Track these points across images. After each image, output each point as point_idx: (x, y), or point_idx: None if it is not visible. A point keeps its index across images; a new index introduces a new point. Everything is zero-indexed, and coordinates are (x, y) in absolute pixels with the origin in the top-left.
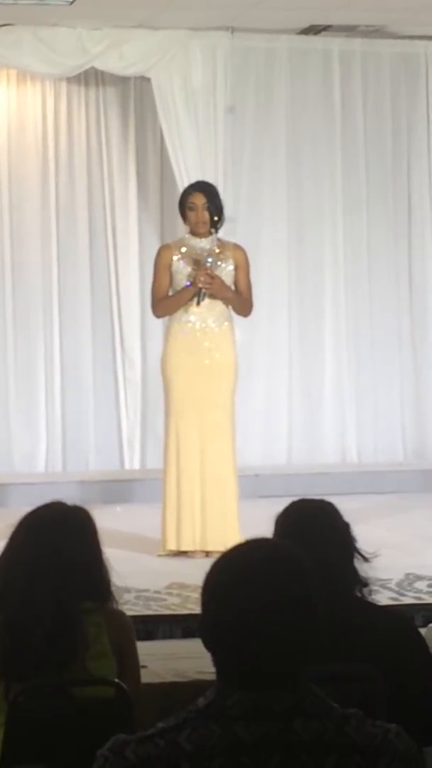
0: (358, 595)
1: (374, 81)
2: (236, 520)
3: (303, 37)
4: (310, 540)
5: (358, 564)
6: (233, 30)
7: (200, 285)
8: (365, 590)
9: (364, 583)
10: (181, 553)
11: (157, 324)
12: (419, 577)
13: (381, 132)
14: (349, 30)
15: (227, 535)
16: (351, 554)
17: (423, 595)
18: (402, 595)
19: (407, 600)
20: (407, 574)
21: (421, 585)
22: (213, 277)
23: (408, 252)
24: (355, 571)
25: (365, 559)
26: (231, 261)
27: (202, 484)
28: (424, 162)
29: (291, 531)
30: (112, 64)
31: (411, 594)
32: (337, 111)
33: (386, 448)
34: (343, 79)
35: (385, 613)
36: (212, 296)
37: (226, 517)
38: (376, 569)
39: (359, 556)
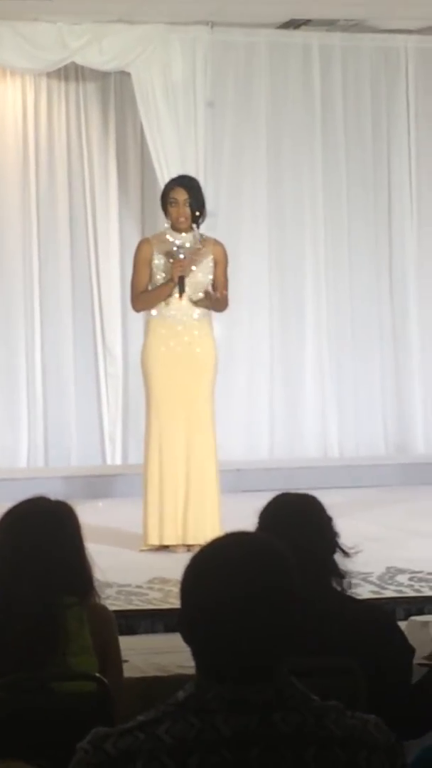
0: (338, 588)
1: (354, 75)
2: (218, 514)
3: (283, 32)
4: (292, 533)
5: (339, 558)
6: (213, 24)
7: (178, 274)
8: (345, 583)
9: (343, 576)
10: (162, 548)
11: (138, 319)
12: (400, 571)
13: (361, 126)
14: (329, 24)
15: (209, 530)
16: (332, 548)
17: (404, 589)
18: (383, 588)
19: (388, 593)
20: (388, 568)
21: (402, 578)
22: (184, 265)
23: (388, 245)
24: (335, 565)
25: (346, 554)
26: (211, 256)
27: (185, 478)
28: (404, 155)
29: (274, 524)
30: (92, 59)
31: (392, 587)
32: (317, 105)
33: (367, 442)
34: (323, 74)
35: (365, 606)
36: (197, 305)
37: (208, 512)
38: (358, 563)
39: (340, 551)
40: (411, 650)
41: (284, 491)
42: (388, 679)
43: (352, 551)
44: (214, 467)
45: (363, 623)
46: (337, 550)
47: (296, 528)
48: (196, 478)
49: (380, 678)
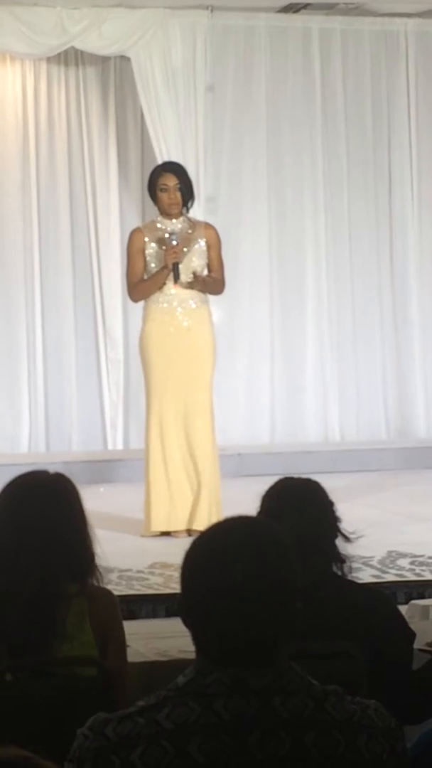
0: (339, 573)
1: (354, 59)
2: (219, 499)
3: (282, 16)
4: (294, 517)
5: (340, 543)
6: (212, 9)
7: (171, 261)
8: (345, 568)
9: (343, 560)
10: (164, 533)
11: (138, 304)
12: (401, 555)
13: (361, 109)
14: (329, 8)
15: (211, 514)
16: (333, 533)
17: (405, 573)
18: (384, 572)
19: (389, 577)
20: (389, 552)
21: (403, 562)
22: (177, 251)
23: (389, 229)
24: (336, 550)
25: (347, 539)
26: (203, 240)
27: (186, 464)
28: (405, 138)
29: (276, 508)
30: (91, 44)
31: (393, 571)
32: (317, 89)
33: (369, 427)
34: (323, 57)
35: (365, 590)
36: (189, 287)
37: (210, 496)
38: (359, 547)
39: (341, 536)
40: (411, 635)
41: (287, 476)
42: (389, 663)
43: (353, 536)
44: (215, 453)
45: (363, 608)
46: (338, 535)
47: (298, 512)
48: (198, 463)
49: (380, 662)
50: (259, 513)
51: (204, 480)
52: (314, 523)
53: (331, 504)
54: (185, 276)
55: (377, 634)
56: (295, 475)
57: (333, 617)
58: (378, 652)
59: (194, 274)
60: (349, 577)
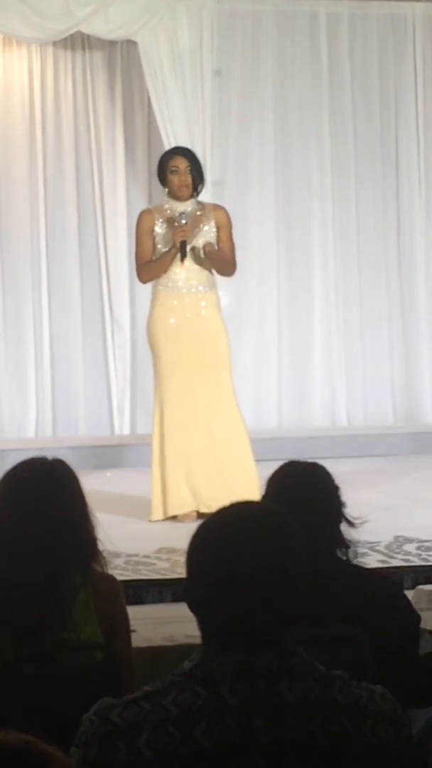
0: (343, 558)
1: (361, 43)
2: (256, 480)
3: (290, 0)
4: (299, 501)
5: (345, 527)
6: None
7: (179, 240)
8: (351, 553)
9: (348, 546)
10: (171, 518)
11: (145, 289)
12: (408, 540)
13: (369, 94)
14: None
15: (251, 492)
16: (338, 517)
17: (412, 557)
18: (391, 557)
19: (396, 562)
20: (396, 537)
21: (410, 547)
22: (186, 231)
23: (396, 214)
24: (341, 535)
25: (351, 525)
26: (213, 222)
27: (205, 449)
28: (412, 123)
29: (281, 492)
30: (98, 28)
31: (400, 556)
32: (325, 73)
33: (376, 411)
34: (331, 42)
35: (370, 575)
36: (198, 262)
37: (246, 475)
38: (365, 532)
39: (346, 521)
40: (416, 618)
41: (293, 459)
42: (394, 646)
43: (357, 521)
44: (244, 434)
45: (368, 592)
46: (343, 519)
47: (303, 496)
48: (219, 447)
49: (386, 646)
50: (264, 496)
51: (235, 460)
52: (319, 507)
53: (336, 489)
54: (196, 259)
55: (382, 618)
56: (302, 459)
57: (338, 602)
58: (384, 635)
59: (205, 247)
60: (355, 563)
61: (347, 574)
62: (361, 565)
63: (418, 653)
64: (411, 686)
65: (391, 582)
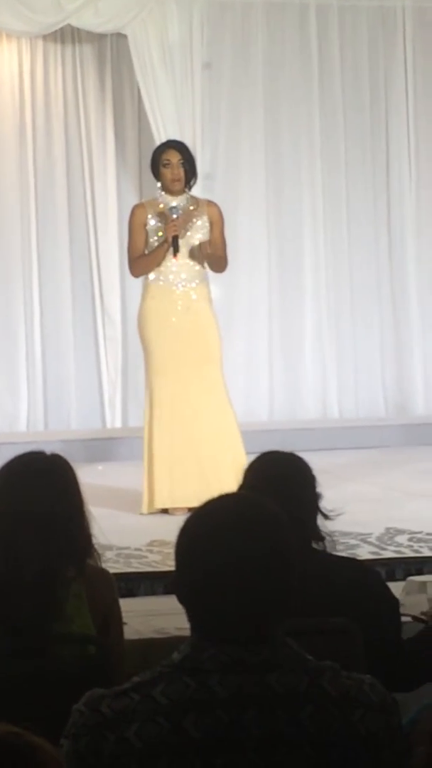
0: (318, 549)
1: (351, 36)
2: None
3: None
4: (275, 492)
5: (321, 520)
6: None
7: (171, 234)
8: (328, 544)
9: (322, 538)
10: (162, 511)
11: (136, 282)
12: (400, 531)
13: (359, 86)
14: None
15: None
16: (313, 509)
17: (403, 549)
18: (382, 549)
19: (388, 554)
20: (388, 528)
21: (401, 539)
22: (178, 225)
23: (387, 206)
24: (316, 526)
25: (326, 517)
26: (206, 217)
27: (192, 442)
28: (402, 115)
29: (259, 482)
30: (88, 21)
31: (391, 548)
32: (315, 66)
33: (367, 404)
34: (320, 34)
35: (345, 562)
36: (191, 256)
37: (237, 468)
38: (358, 523)
39: (321, 514)
40: (395, 602)
41: (270, 450)
42: (376, 632)
43: (332, 514)
44: (235, 426)
45: (344, 580)
46: (318, 512)
47: (280, 487)
48: (209, 440)
49: (368, 632)
50: (241, 487)
51: (219, 457)
52: (293, 497)
53: (313, 480)
54: (186, 251)
55: (362, 606)
56: (280, 450)
57: (316, 592)
58: (364, 622)
59: (200, 243)
60: (346, 554)
61: (322, 563)
62: (355, 557)
63: (401, 636)
64: (395, 670)
65: (366, 567)
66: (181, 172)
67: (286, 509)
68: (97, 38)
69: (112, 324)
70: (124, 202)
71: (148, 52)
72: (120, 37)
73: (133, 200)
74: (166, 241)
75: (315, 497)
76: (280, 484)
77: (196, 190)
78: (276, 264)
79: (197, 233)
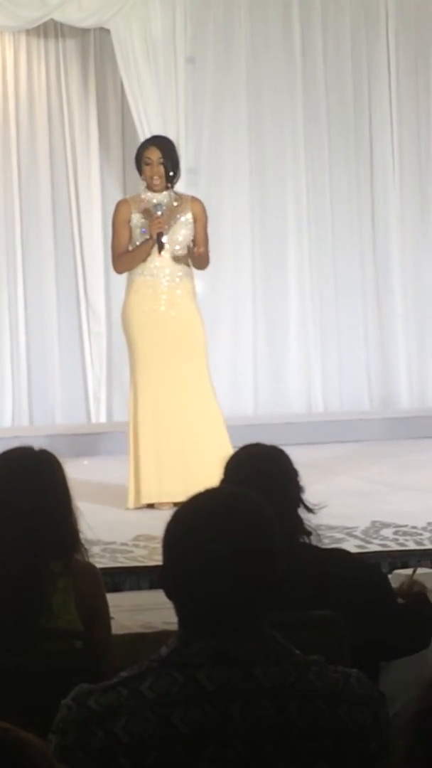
0: (304, 542)
1: (334, 26)
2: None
3: None
4: (256, 485)
5: (303, 513)
6: None
7: (156, 231)
8: (312, 538)
9: (308, 533)
10: (148, 506)
11: (121, 276)
12: (385, 525)
13: (342, 77)
14: None
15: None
16: (295, 502)
17: (389, 543)
18: (368, 542)
19: (373, 547)
20: (373, 522)
21: (386, 532)
22: (162, 222)
23: (371, 198)
24: (299, 520)
25: (309, 510)
26: (189, 213)
27: (177, 436)
28: (385, 105)
29: (240, 476)
30: (71, 16)
31: (377, 541)
32: (298, 58)
33: (352, 397)
34: (303, 25)
35: (327, 553)
36: (175, 259)
37: (223, 463)
38: (343, 517)
39: (303, 507)
40: (384, 580)
41: (252, 443)
42: (371, 613)
43: (315, 507)
44: (220, 421)
45: (331, 568)
46: (301, 505)
47: (262, 481)
48: (194, 435)
49: (362, 615)
50: (223, 480)
51: (204, 451)
52: (274, 490)
53: (295, 473)
54: (172, 250)
55: (353, 594)
56: (261, 443)
57: (302, 585)
58: (354, 612)
59: (188, 248)
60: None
61: (310, 557)
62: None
63: (395, 609)
64: (393, 640)
65: (348, 553)
66: (161, 170)
67: (269, 503)
68: (81, 33)
69: (97, 319)
70: (108, 196)
71: (131, 47)
72: (103, 32)
73: (117, 195)
74: (150, 237)
75: (297, 491)
76: (262, 477)
77: (180, 185)
78: (260, 258)
79: (181, 229)
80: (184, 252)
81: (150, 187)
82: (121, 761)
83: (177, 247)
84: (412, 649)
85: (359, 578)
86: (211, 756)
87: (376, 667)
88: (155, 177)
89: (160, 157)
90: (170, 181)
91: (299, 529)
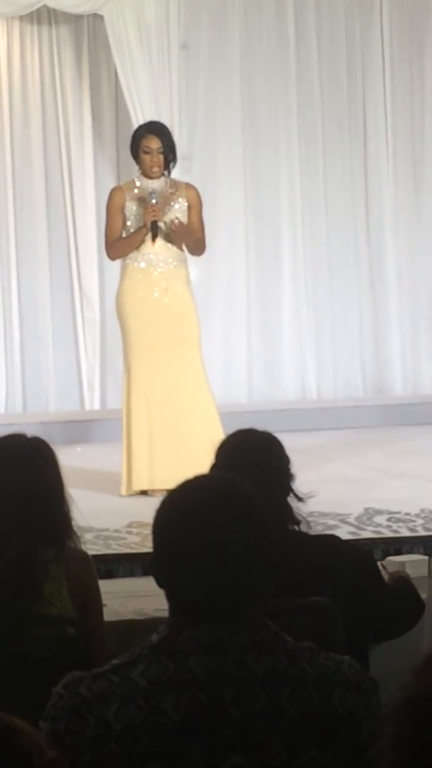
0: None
1: (328, 13)
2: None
3: None
4: (246, 471)
5: (294, 501)
6: None
7: (150, 219)
8: (302, 526)
9: (296, 520)
10: (141, 492)
11: (115, 263)
12: (378, 512)
13: (335, 64)
14: None
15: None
16: (284, 490)
17: (382, 530)
18: (361, 529)
19: (366, 534)
20: (366, 509)
21: (380, 519)
22: (156, 210)
23: (365, 185)
24: (289, 508)
25: (299, 499)
26: (184, 200)
27: (172, 423)
28: (379, 93)
29: (231, 462)
30: (64, 2)
31: (370, 528)
32: (292, 44)
33: (346, 384)
34: (298, 13)
35: (315, 539)
36: (168, 239)
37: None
38: (336, 504)
39: (294, 495)
40: (369, 557)
41: (243, 429)
42: (363, 598)
43: (306, 496)
44: (213, 408)
45: (321, 556)
46: (291, 493)
47: (253, 467)
48: (186, 422)
49: (352, 605)
50: (214, 466)
51: (197, 437)
52: (268, 479)
53: (286, 460)
54: (166, 238)
55: (340, 576)
56: (253, 429)
57: (293, 572)
58: (346, 597)
59: (172, 222)
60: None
61: (300, 544)
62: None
63: (385, 594)
64: (383, 623)
65: (338, 539)
66: (161, 159)
67: (260, 490)
68: (74, 19)
69: (91, 306)
70: (102, 183)
71: (124, 33)
72: (96, 18)
73: (111, 181)
74: (144, 225)
75: (288, 478)
76: (253, 464)
77: (174, 171)
78: (254, 245)
79: (174, 216)
80: (175, 229)
81: (147, 175)
82: (112, 748)
83: (171, 225)
84: (400, 632)
85: (349, 564)
86: (202, 743)
87: (366, 651)
88: (155, 166)
89: (160, 147)
90: (167, 167)
91: (289, 517)
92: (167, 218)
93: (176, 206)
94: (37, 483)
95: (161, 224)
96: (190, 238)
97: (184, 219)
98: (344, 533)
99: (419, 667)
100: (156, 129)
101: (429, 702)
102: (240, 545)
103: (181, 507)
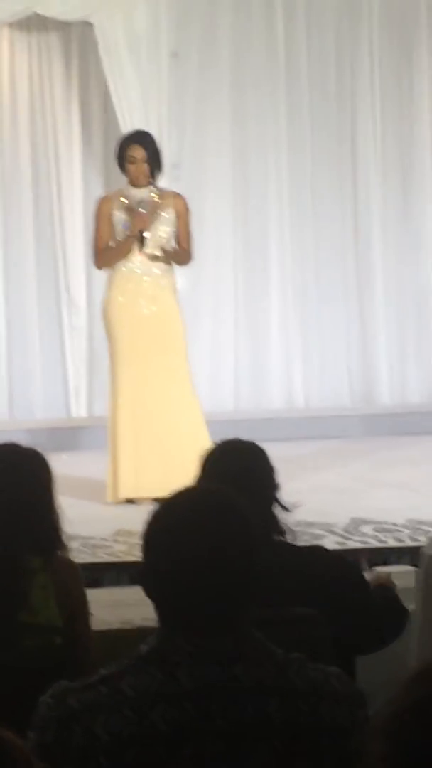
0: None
1: (318, 22)
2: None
3: None
4: (231, 482)
5: (279, 511)
6: None
7: (138, 228)
8: (288, 536)
9: (282, 531)
10: (128, 501)
11: (101, 271)
12: (365, 521)
13: (325, 72)
14: None
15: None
16: (269, 500)
17: (369, 539)
18: (348, 539)
19: (353, 544)
20: (353, 519)
21: (366, 529)
22: (145, 219)
23: (353, 193)
24: (275, 518)
25: (285, 509)
26: (171, 210)
27: (158, 431)
28: (368, 101)
29: (214, 471)
30: (54, 9)
31: (357, 538)
32: (281, 53)
33: (332, 394)
34: (287, 21)
35: (303, 550)
36: (156, 260)
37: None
38: (323, 514)
39: (279, 505)
40: (355, 568)
41: (229, 439)
42: (349, 607)
43: (292, 506)
44: (199, 417)
45: (311, 569)
46: (276, 503)
47: (238, 477)
48: (172, 431)
49: (340, 615)
50: (199, 476)
51: (184, 448)
52: (253, 490)
53: (272, 470)
54: (152, 247)
55: (332, 590)
56: (239, 439)
57: (281, 583)
58: (333, 608)
59: (162, 249)
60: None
61: (288, 555)
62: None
63: (372, 604)
64: (370, 634)
65: (324, 549)
66: (146, 169)
67: (245, 500)
68: (63, 26)
69: (78, 313)
70: (90, 191)
71: (114, 41)
72: (86, 26)
73: (99, 189)
74: (132, 234)
75: (274, 488)
76: (238, 474)
77: (163, 180)
78: (242, 253)
79: (162, 225)
80: (163, 252)
81: (134, 184)
82: (100, 759)
83: (161, 236)
84: (387, 641)
85: (336, 575)
86: (190, 754)
87: (353, 661)
88: (141, 175)
89: (144, 156)
90: (153, 176)
91: (275, 527)
92: (156, 230)
93: (164, 215)
94: (21, 490)
95: (147, 234)
96: (179, 258)
97: (171, 227)
98: (331, 543)
99: (406, 682)
100: (140, 138)
101: (416, 718)
102: (229, 558)
103: (171, 519)
